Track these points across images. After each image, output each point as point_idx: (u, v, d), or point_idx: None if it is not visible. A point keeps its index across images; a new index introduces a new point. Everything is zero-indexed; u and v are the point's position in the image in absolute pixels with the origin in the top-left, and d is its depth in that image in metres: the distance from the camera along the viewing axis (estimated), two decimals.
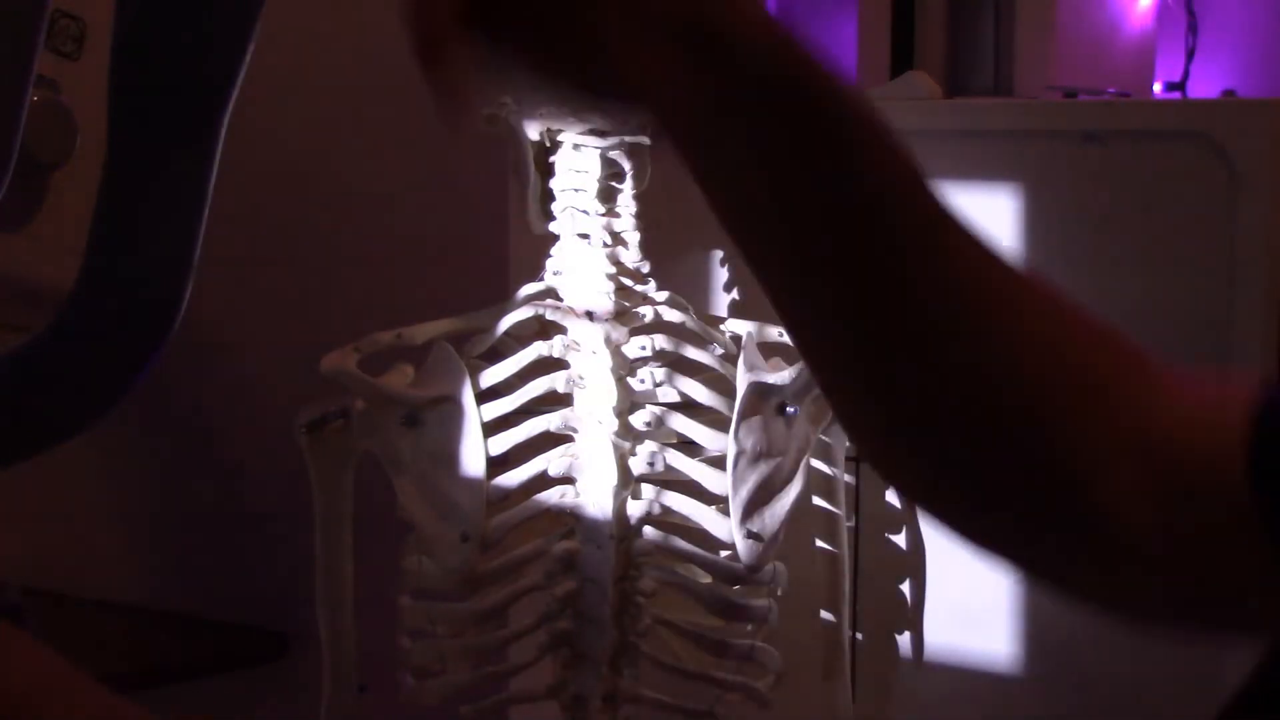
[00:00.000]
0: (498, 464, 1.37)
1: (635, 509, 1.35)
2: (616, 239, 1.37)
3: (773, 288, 0.69)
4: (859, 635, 1.50)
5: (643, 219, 1.38)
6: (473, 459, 1.36)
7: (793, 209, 0.66)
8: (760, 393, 1.34)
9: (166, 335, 1.16)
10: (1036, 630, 1.61)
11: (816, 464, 1.41)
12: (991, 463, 0.68)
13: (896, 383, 0.68)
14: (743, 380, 1.35)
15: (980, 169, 1.61)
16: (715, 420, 1.35)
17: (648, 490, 1.35)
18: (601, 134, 1.34)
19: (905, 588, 1.50)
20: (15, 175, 1.09)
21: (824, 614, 1.42)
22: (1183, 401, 0.68)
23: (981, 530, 0.71)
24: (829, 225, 0.66)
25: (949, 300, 0.67)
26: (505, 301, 1.41)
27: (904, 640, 1.48)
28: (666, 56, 0.65)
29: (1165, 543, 0.67)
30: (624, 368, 1.36)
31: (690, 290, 1.51)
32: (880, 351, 0.67)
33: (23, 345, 1.18)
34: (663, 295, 1.38)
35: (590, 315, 1.36)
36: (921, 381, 0.67)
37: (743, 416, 1.34)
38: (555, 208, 1.38)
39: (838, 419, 0.74)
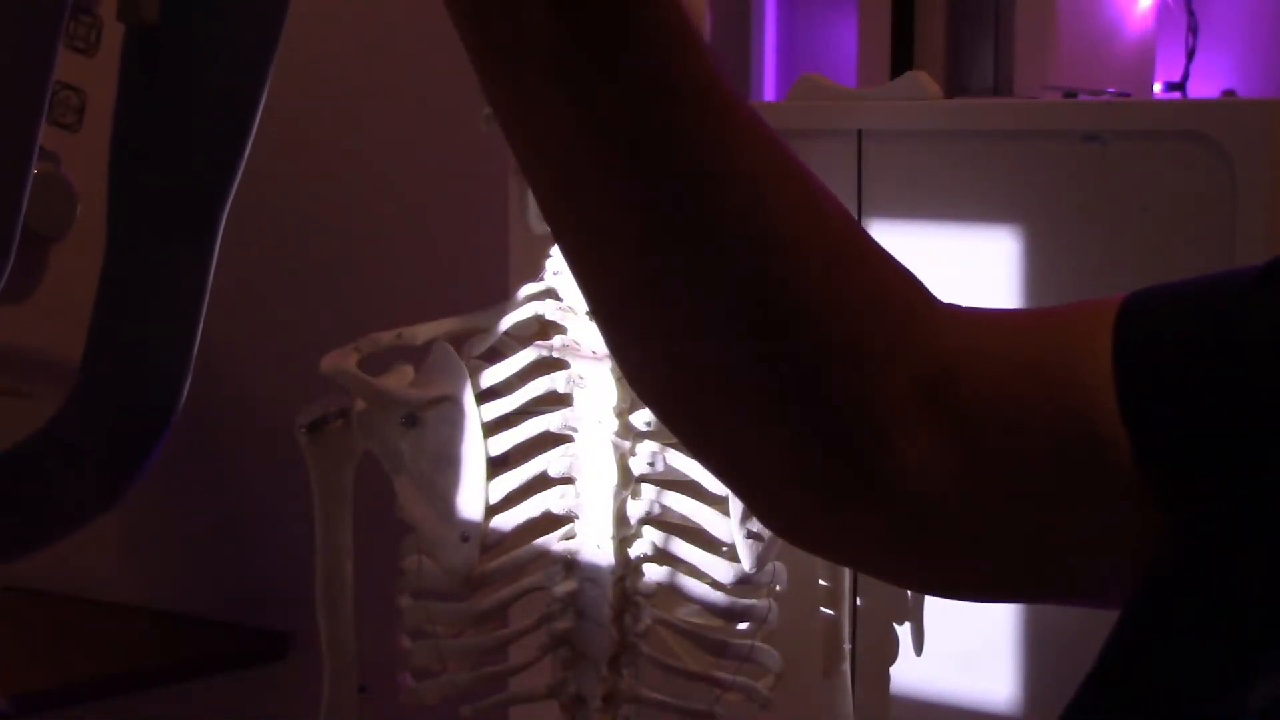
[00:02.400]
0: (498, 464, 1.37)
1: (635, 509, 1.35)
2: None
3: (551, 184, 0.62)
4: (859, 631, 1.50)
5: None
6: (473, 459, 1.36)
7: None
8: None
9: (163, 437, 1.17)
10: (1038, 667, 1.60)
11: None
12: (769, 403, 0.64)
13: (664, 278, 0.62)
14: None
15: (980, 169, 1.61)
16: None
17: (648, 490, 1.35)
18: None
19: None
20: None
21: (824, 610, 1.42)
22: (991, 344, 0.66)
23: (761, 489, 0.68)
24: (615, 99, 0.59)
25: (733, 192, 0.61)
26: (505, 301, 1.41)
27: (904, 633, 1.48)
28: None
29: (977, 498, 0.64)
30: None
31: None
32: (651, 230, 0.61)
33: (20, 443, 1.19)
34: None
35: (590, 315, 1.37)
36: (691, 277, 0.62)
37: None
38: None
39: (610, 344, 0.67)
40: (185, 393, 1.17)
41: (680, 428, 0.69)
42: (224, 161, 1.11)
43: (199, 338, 1.16)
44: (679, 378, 0.65)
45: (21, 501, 1.21)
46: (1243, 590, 0.58)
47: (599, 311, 0.65)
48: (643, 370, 0.66)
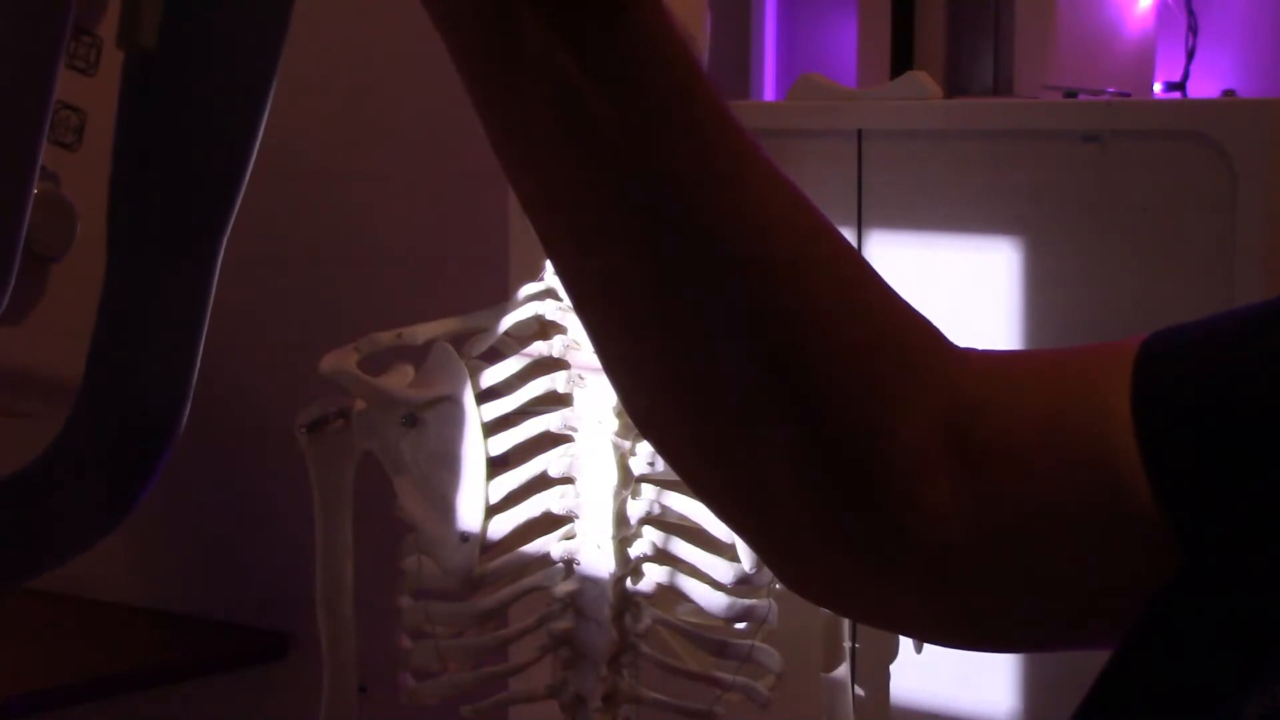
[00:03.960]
0: (498, 464, 1.37)
1: (635, 509, 1.35)
2: None
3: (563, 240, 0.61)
4: (859, 631, 1.50)
5: None
6: (473, 459, 1.36)
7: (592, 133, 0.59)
8: None
9: (163, 458, 1.17)
10: (1038, 678, 1.60)
11: None
12: (782, 445, 0.62)
13: (670, 324, 0.61)
14: None
15: (980, 169, 1.61)
16: None
17: (648, 490, 1.35)
18: None
19: None
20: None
21: (824, 609, 1.42)
22: (1009, 390, 0.65)
23: (776, 542, 0.66)
24: (632, 144, 0.59)
25: (745, 242, 0.60)
26: (505, 301, 1.41)
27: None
28: None
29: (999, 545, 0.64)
30: None
31: None
32: (657, 281, 0.60)
33: (20, 470, 1.18)
34: None
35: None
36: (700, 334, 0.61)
37: None
38: None
39: (615, 389, 0.66)
40: (186, 414, 1.17)
41: (689, 473, 0.67)
42: (225, 183, 1.11)
43: (199, 359, 1.16)
44: (686, 415, 0.63)
45: (24, 529, 1.21)
46: (1244, 601, 0.58)
47: (590, 323, 0.64)
48: (648, 406, 0.65)
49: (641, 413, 0.65)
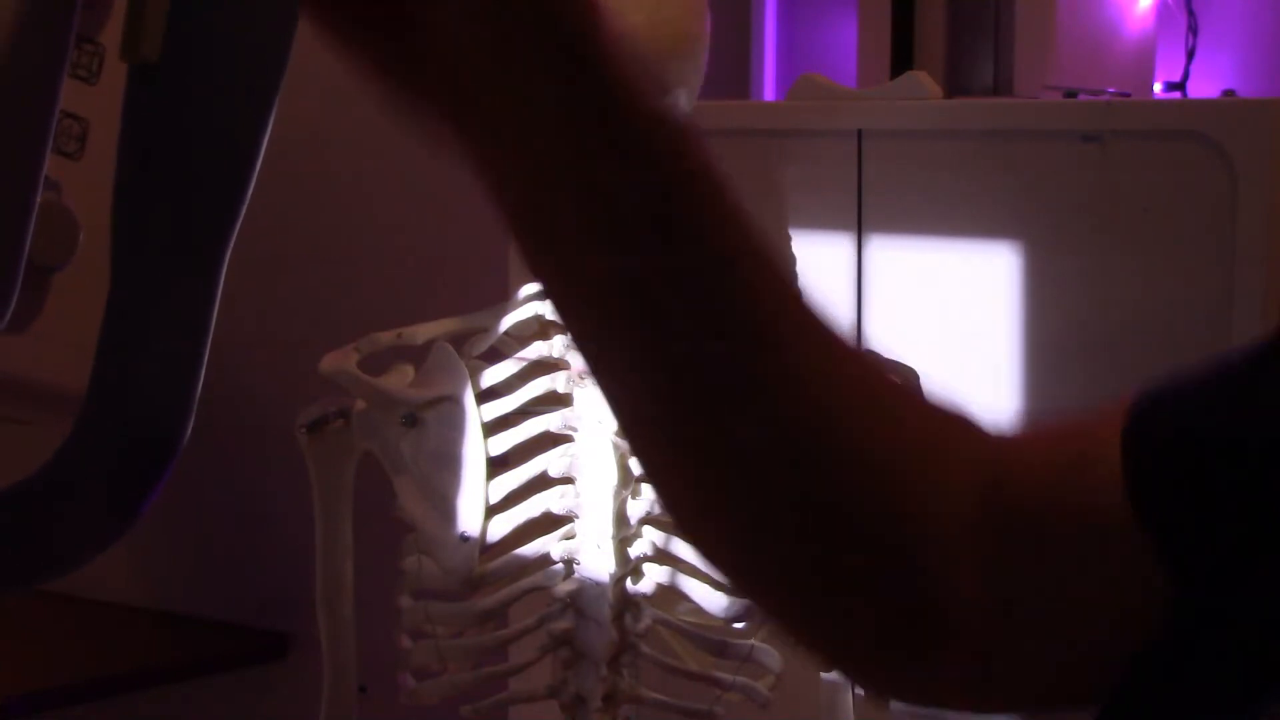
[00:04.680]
0: (498, 464, 1.37)
1: (635, 509, 1.35)
2: None
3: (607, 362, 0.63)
4: None
5: None
6: (473, 459, 1.36)
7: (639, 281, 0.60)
8: None
9: (168, 468, 1.17)
10: None
11: None
12: (819, 540, 0.64)
13: (698, 438, 0.63)
14: None
15: (980, 169, 1.61)
16: None
17: (648, 490, 1.35)
18: None
19: None
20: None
21: None
22: (1027, 468, 0.66)
23: (816, 628, 0.68)
24: (673, 294, 0.60)
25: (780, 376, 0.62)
26: (505, 301, 1.41)
27: None
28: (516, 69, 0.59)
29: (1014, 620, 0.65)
30: None
31: None
32: (679, 398, 0.62)
33: (22, 481, 1.18)
34: None
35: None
36: (726, 442, 0.62)
37: None
38: None
39: (664, 502, 0.68)
40: (191, 422, 1.17)
41: (731, 568, 0.68)
42: (229, 191, 1.11)
43: (204, 366, 1.16)
44: (722, 515, 0.65)
45: (29, 537, 1.21)
46: (1251, 631, 0.59)
47: (637, 448, 0.65)
48: (696, 521, 0.66)
49: (684, 516, 0.66)
